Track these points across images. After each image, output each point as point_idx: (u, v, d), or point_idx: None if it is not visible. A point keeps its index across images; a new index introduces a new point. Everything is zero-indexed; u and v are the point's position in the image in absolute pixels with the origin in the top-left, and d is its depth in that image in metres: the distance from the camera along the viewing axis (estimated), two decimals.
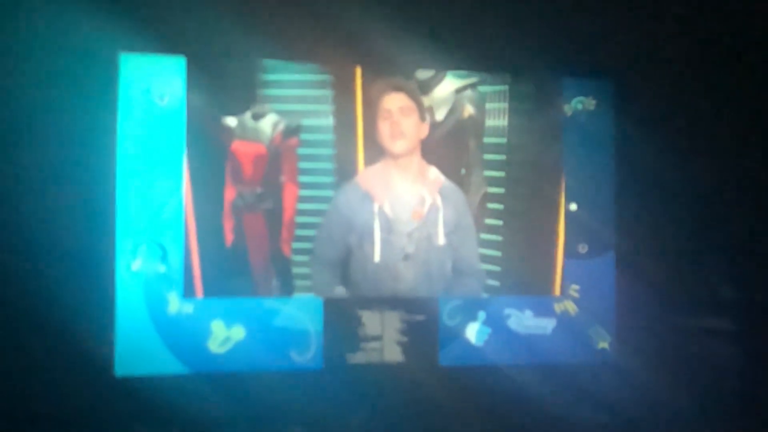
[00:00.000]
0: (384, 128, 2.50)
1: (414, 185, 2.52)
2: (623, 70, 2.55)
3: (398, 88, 2.52)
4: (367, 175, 2.49)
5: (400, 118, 2.51)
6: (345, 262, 2.47)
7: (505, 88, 2.59)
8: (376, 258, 2.45)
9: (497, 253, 2.55)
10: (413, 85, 2.53)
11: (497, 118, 2.58)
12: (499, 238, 2.56)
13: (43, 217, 2.20)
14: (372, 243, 2.46)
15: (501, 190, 2.58)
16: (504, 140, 2.58)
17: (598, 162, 2.56)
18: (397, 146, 2.49)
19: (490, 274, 2.55)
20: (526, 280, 2.55)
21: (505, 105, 2.59)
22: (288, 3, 2.36)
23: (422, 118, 2.53)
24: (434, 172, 2.55)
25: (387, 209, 2.48)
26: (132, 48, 2.29)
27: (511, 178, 2.58)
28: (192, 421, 2.24)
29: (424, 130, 2.54)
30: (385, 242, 2.46)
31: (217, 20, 2.33)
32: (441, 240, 2.51)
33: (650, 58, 2.55)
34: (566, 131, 2.56)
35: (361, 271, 2.46)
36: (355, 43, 2.42)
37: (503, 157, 2.58)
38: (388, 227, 2.47)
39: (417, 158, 2.53)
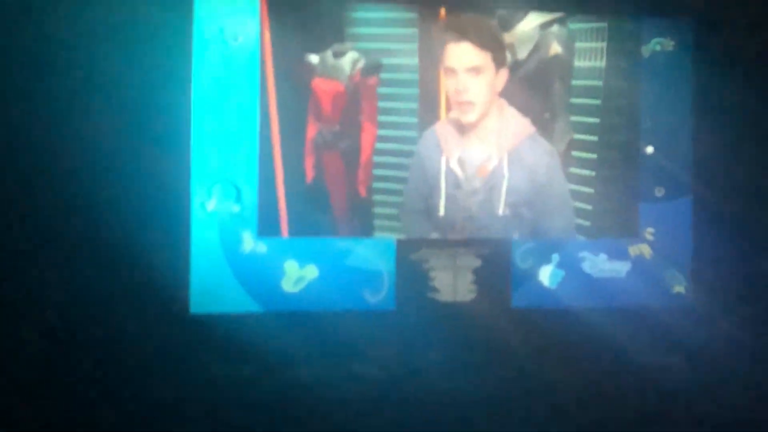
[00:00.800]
0: (450, 89, 2.32)
1: (486, 138, 2.37)
2: (702, 11, 2.50)
3: (462, 34, 2.28)
4: (443, 124, 2.38)
5: (467, 80, 2.30)
6: (427, 211, 2.40)
7: (603, 25, 2.45)
8: (441, 212, 2.39)
9: (588, 207, 2.46)
10: (483, 25, 2.31)
11: (592, 59, 2.45)
12: (590, 190, 2.46)
13: (119, 159, 2.22)
14: (439, 196, 2.38)
15: (594, 138, 2.45)
16: (600, 83, 2.45)
17: (675, 105, 2.51)
18: (466, 117, 2.34)
19: (579, 228, 2.46)
20: (614, 230, 2.48)
21: (602, 44, 2.45)
22: None
23: (498, 66, 2.32)
24: (517, 124, 2.36)
25: (454, 164, 2.38)
26: None
27: (606, 125, 2.45)
28: (265, 359, 2.27)
29: (501, 80, 2.35)
30: (450, 198, 2.37)
31: None
32: (501, 209, 2.38)
33: None
34: (644, 73, 2.50)
35: (433, 223, 2.39)
36: None
37: (598, 101, 2.45)
38: (455, 182, 2.38)
39: (495, 110, 2.37)
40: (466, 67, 2.32)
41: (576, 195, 2.47)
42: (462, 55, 2.32)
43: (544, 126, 2.43)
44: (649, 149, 2.49)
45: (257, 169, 2.32)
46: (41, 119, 2.18)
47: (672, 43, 2.51)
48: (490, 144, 2.39)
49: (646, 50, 2.50)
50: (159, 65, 2.25)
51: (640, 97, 2.50)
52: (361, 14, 2.38)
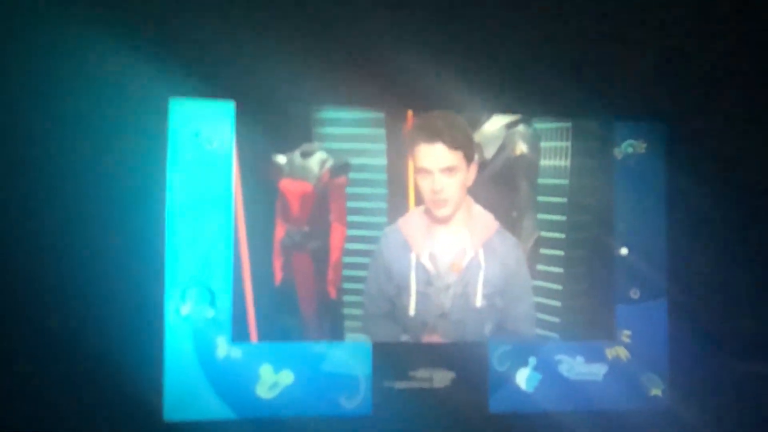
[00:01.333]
0: (424, 187, 2.34)
1: (457, 233, 2.39)
2: (674, 113, 2.52)
3: (435, 135, 2.30)
4: (408, 220, 2.38)
5: (442, 180, 2.32)
6: (392, 313, 2.38)
7: (567, 125, 2.48)
8: (411, 312, 2.36)
9: (556, 303, 2.47)
10: (454, 125, 2.33)
11: (557, 158, 2.48)
12: (558, 286, 2.47)
13: (93, 262, 2.21)
14: (408, 295, 2.36)
15: (561, 236, 2.47)
16: (566, 182, 2.47)
17: (649, 206, 2.51)
18: (441, 212, 2.36)
19: (548, 324, 2.46)
20: (586, 330, 2.48)
21: (566, 144, 2.48)
22: (337, 48, 2.36)
23: (469, 162, 2.35)
24: (484, 219, 2.40)
25: (425, 260, 2.36)
26: (181, 93, 2.31)
27: (573, 223, 2.47)
28: None
29: (472, 175, 2.38)
30: (421, 296, 2.35)
31: (267, 65, 2.33)
32: (478, 302, 2.37)
33: (702, 100, 2.52)
34: (616, 175, 2.51)
35: (401, 325, 2.37)
36: (406, 87, 2.38)
37: (563, 200, 2.48)
38: (426, 280, 2.36)
39: (464, 205, 2.39)
40: (441, 168, 2.33)
41: (544, 291, 2.47)
42: (436, 156, 2.33)
43: (512, 224, 2.44)
44: (624, 251, 2.49)
45: (231, 272, 2.31)
46: (13, 223, 2.18)
47: (644, 145, 2.51)
48: (463, 237, 2.39)
49: (618, 152, 2.51)
50: (133, 169, 2.26)
51: (613, 198, 2.50)
52: (328, 114, 2.40)
